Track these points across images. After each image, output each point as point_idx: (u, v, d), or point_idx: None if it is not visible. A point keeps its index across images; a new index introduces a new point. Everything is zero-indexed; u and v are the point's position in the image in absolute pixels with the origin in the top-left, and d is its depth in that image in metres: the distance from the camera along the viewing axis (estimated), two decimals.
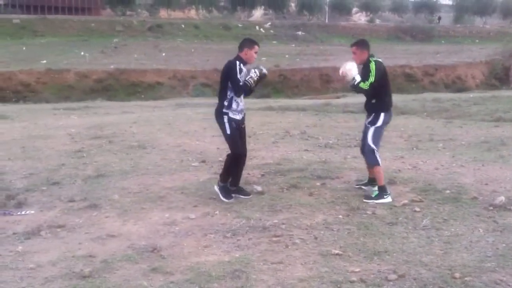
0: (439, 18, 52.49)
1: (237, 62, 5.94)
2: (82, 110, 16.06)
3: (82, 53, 28.71)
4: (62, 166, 7.79)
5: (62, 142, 9.73)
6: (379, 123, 6.02)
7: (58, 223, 5.29)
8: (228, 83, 5.90)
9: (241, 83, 5.83)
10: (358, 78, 5.90)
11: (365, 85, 5.88)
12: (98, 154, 8.62)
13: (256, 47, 6.00)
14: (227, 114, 5.99)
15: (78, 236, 4.97)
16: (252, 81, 5.86)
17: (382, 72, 5.94)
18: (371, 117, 6.08)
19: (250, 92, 6.00)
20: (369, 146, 6.02)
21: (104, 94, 23.59)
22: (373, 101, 6.06)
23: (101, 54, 29.32)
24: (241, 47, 6.01)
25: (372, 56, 5.99)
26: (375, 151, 5.99)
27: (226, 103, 5.98)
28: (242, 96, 6.01)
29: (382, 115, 6.02)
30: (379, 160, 5.99)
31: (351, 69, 5.97)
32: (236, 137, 6.03)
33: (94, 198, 6.13)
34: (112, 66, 25.83)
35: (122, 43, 33.01)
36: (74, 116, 14.13)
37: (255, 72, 5.92)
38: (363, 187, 6.37)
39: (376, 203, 5.80)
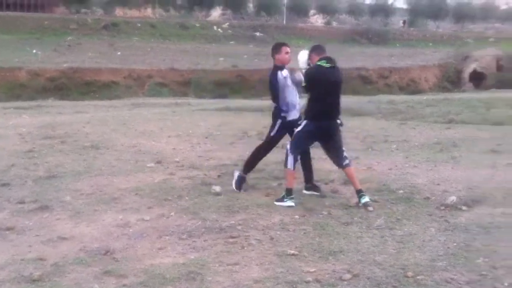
0: (404, 22, 53.57)
1: (277, 72, 6.13)
2: (33, 109, 15.60)
3: (34, 51, 27.93)
4: (12, 166, 7.54)
5: (12, 142, 9.42)
6: (300, 128, 5.95)
7: (6, 225, 5.11)
8: (275, 92, 6.18)
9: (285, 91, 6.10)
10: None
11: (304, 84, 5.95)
12: (49, 154, 8.40)
13: (284, 47, 6.21)
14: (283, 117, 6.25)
15: (28, 239, 4.81)
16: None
17: (311, 78, 5.85)
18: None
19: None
20: (286, 147, 6.02)
21: (57, 93, 22.95)
22: (308, 105, 6.00)
23: (54, 53, 28.53)
24: (272, 55, 6.25)
25: (322, 60, 5.86)
26: (289, 154, 5.92)
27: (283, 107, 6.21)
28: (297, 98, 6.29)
29: (305, 122, 5.93)
30: (291, 164, 5.90)
31: (300, 58, 6.09)
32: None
33: (45, 199, 5.95)
34: (65, 65, 25.18)
35: (76, 42, 32.23)
36: (25, 115, 13.72)
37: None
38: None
39: (276, 204, 5.82)
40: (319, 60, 5.87)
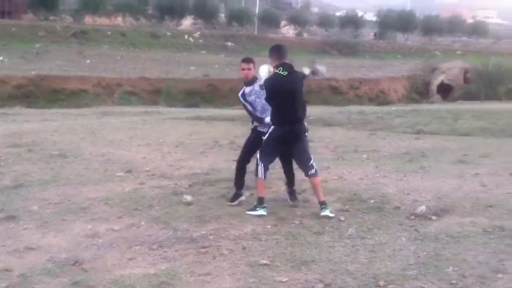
0: (375, 34, 54.41)
1: (242, 89, 6.31)
2: None
3: (1, 58, 27.40)
4: None
5: None
6: (267, 135, 5.94)
7: None
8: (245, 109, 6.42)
9: (248, 108, 6.24)
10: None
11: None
12: (16, 163, 8.21)
13: (241, 64, 6.26)
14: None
15: None
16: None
17: (269, 89, 5.82)
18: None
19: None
20: (256, 156, 6.02)
21: (24, 101, 22.52)
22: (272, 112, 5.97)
23: (21, 60, 28.06)
24: None
25: (279, 67, 5.81)
26: (259, 163, 5.91)
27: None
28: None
29: (271, 128, 5.92)
30: (260, 173, 5.86)
31: (260, 73, 6.11)
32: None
33: (11, 209, 5.81)
34: (33, 72, 24.78)
35: (44, 49, 31.77)
36: None
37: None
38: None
39: (248, 213, 5.80)
40: (276, 67, 5.84)
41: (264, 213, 5.77)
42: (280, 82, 5.77)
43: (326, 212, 5.68)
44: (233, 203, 6.22)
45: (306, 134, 5.98)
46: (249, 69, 6.21)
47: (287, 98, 5.79)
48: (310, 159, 5.93)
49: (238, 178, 6.39)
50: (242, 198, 6.35)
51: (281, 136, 5.88)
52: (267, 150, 5.96)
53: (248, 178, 6.78)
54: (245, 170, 6.39)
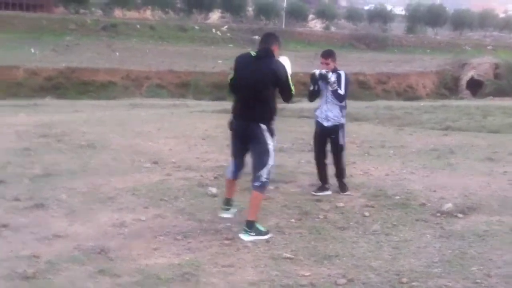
0: None
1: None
2: (30, 108, 15.57)
3: (33, 50, 27.90)
4: (8, 164, 7.50)
5: (8, 139, 9.39)
6: None
7: (1, 222, 5.06)
8: None
9: None
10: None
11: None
12: (46, 152, 8.37)
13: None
14: None
15: (22, 236, 4.78)
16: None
17: (234, 67, 5.11)
18: None
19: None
20: None
21: (54, 93, 22.96)
22: None
23: (52, 52, 28.53)
24: None
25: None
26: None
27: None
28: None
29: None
30: (227, 171, 5.50)
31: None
32: None
33: (40, 197, 5.92)
34: (63, 64, 25.19)
35: (75, 42, 32.24)
36: (22, 114, 13.67)
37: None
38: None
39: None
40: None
41: (224, 215, 5.36)
42: (244, 64, 4.97)
43: (244, 236, 4.81)
44: (316, 194, 6.34)
45: (268, 139, 4.98)
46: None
47: (242, 84, 4.94)
48: (261, 168, 4.93)
49: (318, 172, 6.51)
50: (328, 192, 6.38)
51: (235, 131, 5.11)
52: (231, 145, 5.35)
53: (271, 172, 6.78)
54: (322, 164, 6.48)
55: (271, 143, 4.99)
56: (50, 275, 3.95)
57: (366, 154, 9.07)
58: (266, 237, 4.86)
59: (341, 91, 6.17)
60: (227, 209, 5.44)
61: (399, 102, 22.84)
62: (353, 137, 10.74)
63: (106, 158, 8.14)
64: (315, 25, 52.26)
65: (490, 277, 4.02)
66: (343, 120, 6.41)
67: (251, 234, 4.84)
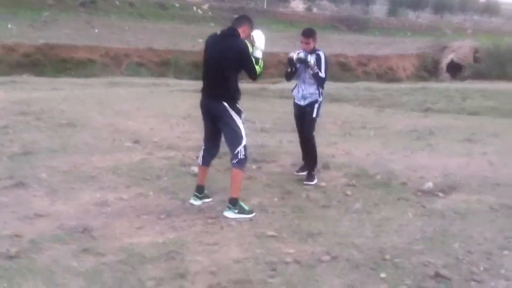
0: None
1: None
2: (7, 85, 15.28)
3: (9, 25, 27.31)
4: None
5: None
6: None
7: None
8: None
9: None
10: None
11: None
12: (24, 130, 8.24)
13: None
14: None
15: (3, 216, 4.71)
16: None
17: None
18: None
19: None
20: None
21: (32, 69, 22.52)
22: None
23: (29, 28, 27.97)
24: None
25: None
26: None
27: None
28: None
29: None
30: (199, 157, 5.43)
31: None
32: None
33: (20, 176, 5.84)
34: (41, 41, 24.71)
35: (53, 18, 31.63)
36: None
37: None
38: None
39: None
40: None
41: (194, 202, 5.20)
42: (210, 43, 5.04)
43: (228, 213, 4.87)
44: (298, 174, 6.37)
45: (235, 117, 4.95)
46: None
47: (209, 63, 5.02)
48: (237, 146, 4.94)
49: (302, 152, 6.47)
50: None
51: (202, 110, 5.17)
52: (203, 126, 5.29)
53: (254, 152, 6.78)
54: (304, 148, 6.40)
55: (239, 121, 4.98)
56: (33, 254, 3.91)
57: (347, 135, 9.12)
58: (249, 216, 4.89)
59: (322, 74, 6.03)
60: (198, 197, 5.26)
61: (380, 84, 22.95)
62: (333, 117, 10.79)
63: (86, 136, 8.05)
64: (297, 5, 52.08)
65: (471, 254, 4.09)
66: (320, 98, 6.19)
67: (235, 211, 4.87)
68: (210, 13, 40.26)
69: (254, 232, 4.52)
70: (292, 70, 6.16)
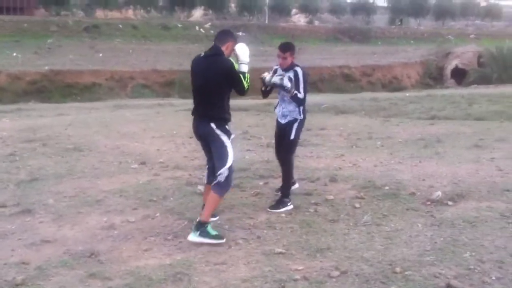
0: (401, 20, 53.91)
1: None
2: (14, 113, 15.36)
3: (14, 54, 27.57)
4: None
5: None
6: None
7: None
8: None
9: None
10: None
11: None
12: (31, 157, 8.26)
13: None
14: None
15: (10, 243, 4.72)
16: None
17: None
18: None
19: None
20: None
21: (38, 96, 22.67)
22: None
23: (34, 55, 28.21)
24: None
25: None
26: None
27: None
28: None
29: None
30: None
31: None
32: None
33: (27, 203, 5.85)
34: (46, 67, 24.90)
35: (57, 44, 31.92)
36: (5, 119, 13.50)
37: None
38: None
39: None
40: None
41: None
42: (194, 64, 5.03)
43: (192, 237, 4.68)
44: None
45: (223, 138, 4.92)
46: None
47: (196, 85, 4.99)
48: (219, 168, 4.84)
49: None
50: (295, 186, 6.06)
51: (193, 129, 5.14)
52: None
53: (261, 168, 6.74)
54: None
55: (227, 142, 4.91)
56: (40, 281, 3.89)
57: (353, 146, 9.07)
58: (216, 241, 4.64)
59: (301, 95, 5.62)
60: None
61: (385, 93, 22.89)
62: (340, 129, 10.75)
63: (92, 160, 8.05)
64: (299, 19, 52.30)
65: (483, 263, 4.03)
66: (300, 116, 5.80)
67: (196, 233, 4.67)
68: (212, 31, 40.39)
69: (262, 249, 4.48)
70: (266, 89, 5.85)
